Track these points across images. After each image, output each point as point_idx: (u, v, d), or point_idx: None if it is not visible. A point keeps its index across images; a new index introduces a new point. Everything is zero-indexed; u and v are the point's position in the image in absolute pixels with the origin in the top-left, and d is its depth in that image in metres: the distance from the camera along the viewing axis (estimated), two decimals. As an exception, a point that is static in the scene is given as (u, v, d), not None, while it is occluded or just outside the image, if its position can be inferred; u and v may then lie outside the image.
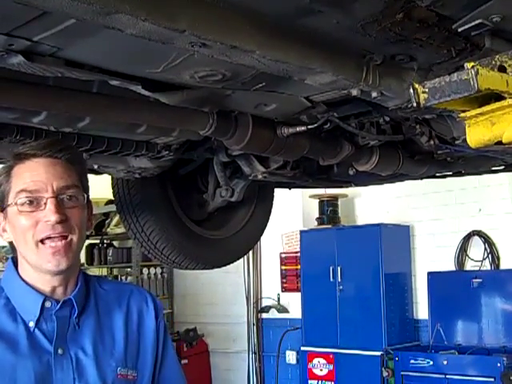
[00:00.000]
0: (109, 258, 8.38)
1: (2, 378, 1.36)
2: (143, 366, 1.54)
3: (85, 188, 1.51)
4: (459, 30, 1.70)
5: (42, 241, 1.41)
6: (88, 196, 1.50)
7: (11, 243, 1.49)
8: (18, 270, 1.49)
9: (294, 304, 7.35)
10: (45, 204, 1.41)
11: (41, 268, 1.43)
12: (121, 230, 7.69)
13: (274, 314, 7.62)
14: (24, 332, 1.42)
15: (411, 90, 1.54)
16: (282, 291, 7.59)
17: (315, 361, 6.57)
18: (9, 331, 1.41)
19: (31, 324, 1.43)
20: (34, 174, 1.43)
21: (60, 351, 1.42)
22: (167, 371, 1.61)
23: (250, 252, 7.23)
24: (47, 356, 1.41)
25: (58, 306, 1.45)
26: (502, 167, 3.66)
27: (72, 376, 1.42)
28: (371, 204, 7.15)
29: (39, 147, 1.46)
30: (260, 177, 3.02)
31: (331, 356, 6.46)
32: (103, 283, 1.60)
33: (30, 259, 1.44)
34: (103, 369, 1.46)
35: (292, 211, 7.31)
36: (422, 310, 6.69)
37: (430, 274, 6.52)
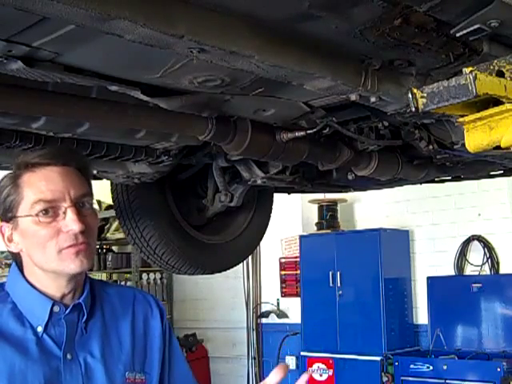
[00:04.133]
0: (108, 263, 8.38)
1: (12, 382, 1.35)
2: (151, 368, 1.54)
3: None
4: (457, 35, 1.70)
5: (63, 248, 1.41)
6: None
7: (15, 254, 1.47)
8: (23, 274, 1.47)
9: (293, 309, 7.34)
10: (64, 213, 1.40)
11: (62, 272, 1.42)
12: (120, 235, 7.69)
13: (273, 319, 7.61)
14: (32, 337, 1.41)
15: (410, 95, 1.54)
16: (282, 296, 7.59)
17: (315, 366, 6.56)
18: (17, 336, 1.40)
19: (39, 329, 1.42)
20: (50, 183, 1.41)
21: (69, 356, 1.42)
22: (177, 368, 1.63)
23: (250, 257, 7.23)
24: (56, 361, 1.40)
25: (68, 311, 1.45)
26: (501, 172, 3.66)
27: (81, 381, 1.41)
28: (370, 209, 7.15)
29: (52, 156, 1.44)
30: (259, 182, 3.02)
31: (331, 361, 6.46)
32: (106, 287, 1.60)
33: (49, 267, 1.42)
34: (112, 373, 1.46)
35: (291, 216, 7.31)
36: (421, 314, 6.69)
37: (429, 278, 6.52)
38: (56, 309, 1.44)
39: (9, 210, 1.43)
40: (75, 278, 1.45)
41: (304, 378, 1.43)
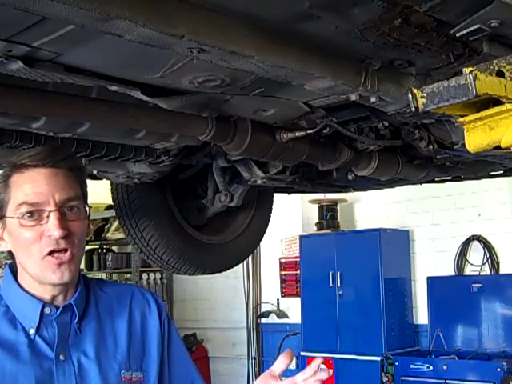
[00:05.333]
0: (108, 263, 8.38)
1: None
2: (149, 366, 1.53)
3: (85, 196, 1.49)
4: (457, 35, 1.70)
5: (45, 254, 1.40)
6: (88, 205, 1.48)
7: (9, 252, 1.48)
8: (16, 277, 1.48)
9: (293, 309, 7.35)
10: (47, 217, 1.39)
11: (44, 280, 1.42)
12: (120, 235, 7.69)
13: (273, 319, 7.62)
14: (25, 339, 1.41)
15: (410, 95, 1.54)
16: (282, 296, 7.59)
17: (315, 366, 6.55)
18: (9, 339, 1.40)
19: (31, 331, 1.42)
20: (36, 186, 1.40)
21: (62, 357, 1.41)
22: (179, 364, 1.61)
23: (250, 257, 7.23)
24: (49, 362, 1.40)
25: (59, 312, 1.44)
26: (501, 172, 3.66)
27: (74, 381, 1.41)
28: (370, 209, 7.15)
29: (40, 158, 1.42)
30: (259, 182, 3.02)
31: (331, 361, 6.45)
32: (103, 286, 1.60)
33: (33, 271, 1.42)
34: (106, 373, 1.45)
35: (291, 216, 7.31)
36: (421, 314, 6.69)
37: (429, 278, 6.52)
38: (47, 310, 1.43)
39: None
40: (61, 284, 1.44)
41: (317, 362, 1.44)
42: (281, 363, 1.41)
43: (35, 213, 1.39)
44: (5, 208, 1.42)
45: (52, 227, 1.38)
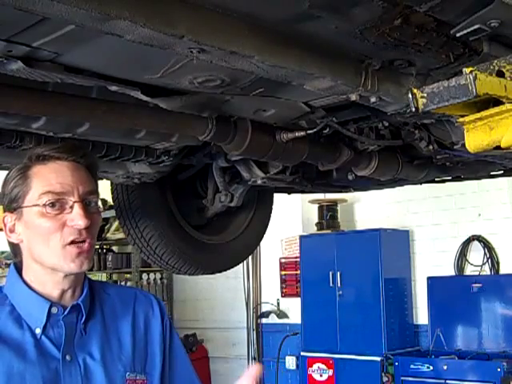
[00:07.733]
0: (108, 263, 8.38)
1: None
2: (152, 368, 1.53)
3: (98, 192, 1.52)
4: (457, 35, 1.70)
5: (67, 243, 1.40)
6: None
7: (15, 246, 1.48)
8: (21, 275, 1.47)
9: (293, 309, 7.34)
10: (71, 208, 1.40)
11: (61, 269, 1.42)
12: (120, 235, 7.69)
13: (273, 319, 7.61)
14: (31, 339, 1.40)
15: (410, 95, 1.55)
16: (282, 296, 7.58)
17: (315, 366, 6.56)
18: (15, 339, 1.39)
19: (38, 331, 1.41)
20: (60, 176, 1.42)
21: (68, 357, 1.41)
22: (179, 366, 1.61)
23: (250, 257, 7.22)
24: (55, 363, 1.39)
25: (67, 312, 1.44)
26: (501, 172, 3.66)
27: (80, 382, 1.40)
28: (371, 209, 7.15)
29: (64, 151, 1.45)
30: (259, 182, 3.02)
31: (331, 361, 6.45)
32: (107, 288, 1.60)
33: (49, 261, 1.42)
34: (112, 374, 1.45)
35: (291, 216, 7.30)
36: (421, 315, 6.68)
37: (429, 278, 6.51)
38: (54, 310, 1.43)
39: (14, 201, 1.44)
40: (73, 276, 1.45)
41: (256, 368, 1.42)
42: (245, 381, 1.40)
43: (57, 203, 1.40)
44: (22, 199, 1.43)
45: (77, 216, 1.39)
